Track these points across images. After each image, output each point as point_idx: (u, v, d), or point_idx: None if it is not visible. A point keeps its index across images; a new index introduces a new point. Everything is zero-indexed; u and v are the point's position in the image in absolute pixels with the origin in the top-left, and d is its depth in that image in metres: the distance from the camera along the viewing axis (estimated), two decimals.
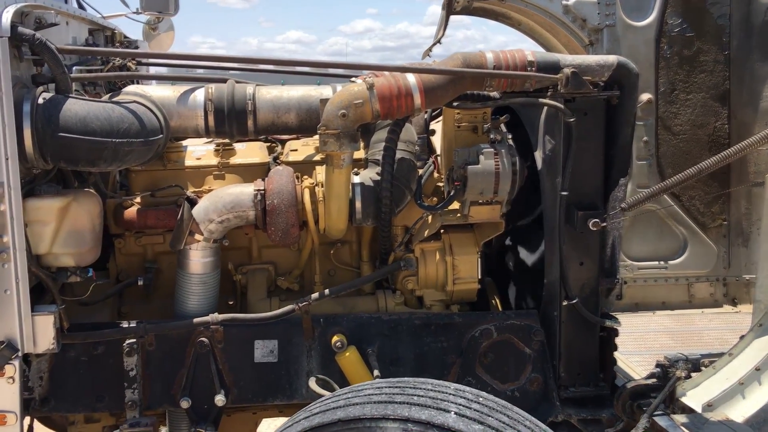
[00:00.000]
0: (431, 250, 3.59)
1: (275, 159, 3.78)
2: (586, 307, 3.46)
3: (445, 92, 3.21)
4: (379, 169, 3.30)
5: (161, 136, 3.09)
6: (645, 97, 5.11)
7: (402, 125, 3.29)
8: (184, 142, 3.92)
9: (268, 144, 3.97)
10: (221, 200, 3.28)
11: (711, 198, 5.26)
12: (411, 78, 3.15)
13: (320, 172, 3.41)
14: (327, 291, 3.34)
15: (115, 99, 3.10)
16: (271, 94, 3.40)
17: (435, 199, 3.60)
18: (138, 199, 3.57)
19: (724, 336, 4.69)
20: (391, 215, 3.33)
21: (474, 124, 3.58)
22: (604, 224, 3.31)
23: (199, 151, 3.77)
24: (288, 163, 3.77)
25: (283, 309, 3.27)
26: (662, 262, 5.23)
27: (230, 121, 3.32)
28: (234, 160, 3.73)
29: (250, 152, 3.79)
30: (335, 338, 3.29)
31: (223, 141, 3.70)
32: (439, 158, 3.75)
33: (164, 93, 3.32)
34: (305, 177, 3.43)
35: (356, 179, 3.33)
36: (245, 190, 3.31)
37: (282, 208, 3.23)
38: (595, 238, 3.43)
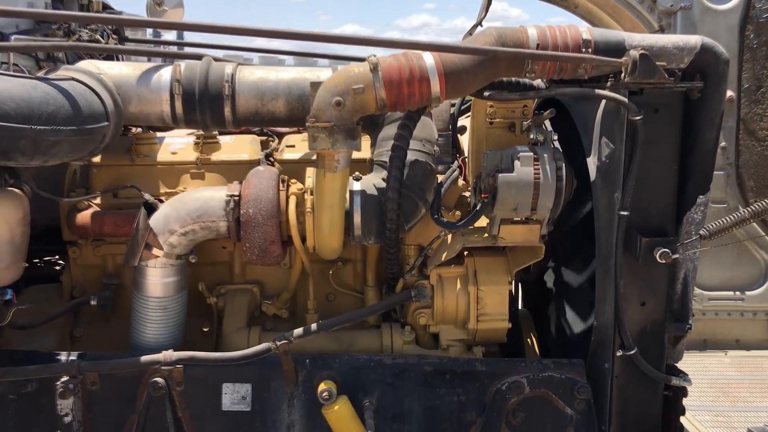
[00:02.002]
0: (451, 277, 2.87)
1: (268, 156, 3.11)
2: (647, 360, 2.69)
3: (473, 78, 2.48)
4: (385, 173, 2.60)
5: (105, 123, 2.44)
6: (726, 95, 4.26)
7: (417, 119, 2.58)
8: (163, 134, 3.28)
9: (263, 137, 3.30)
10: (185, 207, 2.62)
11: None
12: (428, 58, 2.43)
13: (311, 174, 2.71)
14: (314, 326, 2.65)
15: (49, 76, 2.46)
16: (255, 75, 2.72)
17: (458, 213, 2.87)
18: (99, 200, 2.95)
19: None
20: (398, 232, 2.62)
21: (511, 120, 2.84)
22: (676, 256, 2.53)
23: (176, 144, 3.13)
24: (282, 162, 3.10)
25: (256, 348, 2.60)
26: (738, 293, 4.39)
27: (202, 107, 2.66)
28: (217, 156, 3.08)
29: (237, 147, 3.13)
30: (322, 386, 2.60)
31: (207, 133, 3.05)
32: (466, 161, 3.01)
33: (121, 71, 2.68)
34: (294, 181, 2.74)
35: (356, 186, 2.63)
36: (216, 195, 2.64)
37: (259, 219, 2.56)
38: (663, 273, 2.66)
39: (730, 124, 4.31)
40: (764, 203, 2.51)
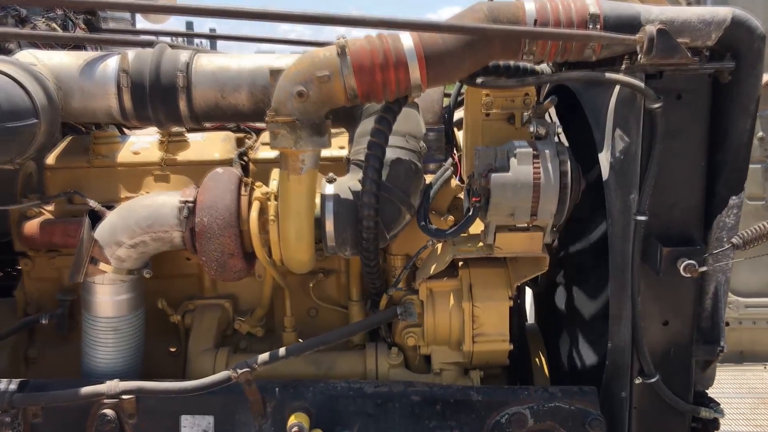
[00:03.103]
0: (442, 292, 2.51)
1: (242, 155, 2.78)
2: (671, 388, 2.31)
3: (460, 61, 2.12)
4: (362, 174, 2.25)
5: (33, 121, 2.13)
6: (763, 79, 3.81)
7: (397, 111, 2.22)
8: (130, 132, 2.97)
9: (239, 134, 2.97)
10: (133, 216, 2.30)
11: None
12: (406, 39, 2.07)
13: (276, 176, 2.37)
14: (282, 351, 2.31)
15: None
16: (214, 64, 2.39)
17: (452, 218, 2.51)
18: (52, 207, 2.65)
19: None
20: (377, 242, 2.27)
21: (509, 111, 2.47)
22: (704, 268, 2.14)
23: (139, 144, 2.81)
24: (257, 161, 2.76)
25: (215, 377, 2.27)
26: None
27: (154, 101, 2.34)
28: (184, 156, 2.76)
29: (208, 146, 2.81)
30: (293, 419, 2.27)
31: (175, 130, 2.73)
32: (462, 159, 2.65)
33: (62, 60, 2.37)
34: (259, 184, 2.40)
35: (329, 189, 2.29)
36: (168, 202, 2.32)
37: (215, 229, 2.23)
38: (689, 287, 2.27)
39: (767, 113, 3.86)
40: None
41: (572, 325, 2.74)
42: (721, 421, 2.47)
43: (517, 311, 2.84)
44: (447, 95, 2.89)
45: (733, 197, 2.25)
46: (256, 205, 2.30)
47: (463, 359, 2.52)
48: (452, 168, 2.58)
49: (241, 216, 2.30)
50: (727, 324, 3.97)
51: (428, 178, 2.53)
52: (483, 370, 2.58)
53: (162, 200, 2.33)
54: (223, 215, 2.24)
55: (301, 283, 2.75)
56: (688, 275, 2.13)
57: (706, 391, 2.46)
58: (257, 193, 2.33)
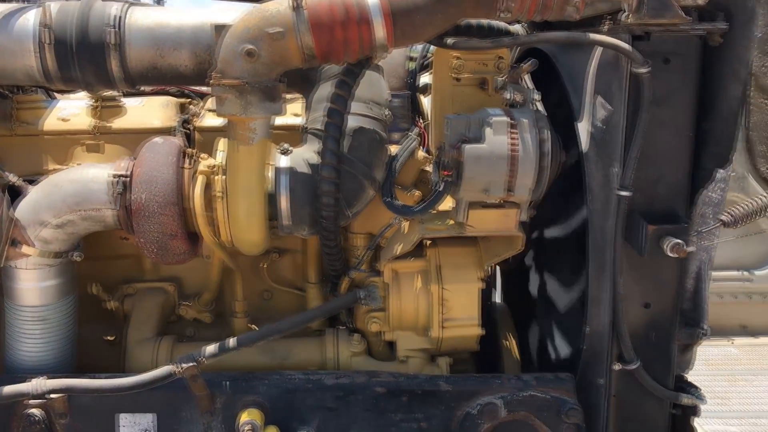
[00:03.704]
0: (409, 274, 2.31)
1: (185, 122, 2.51)
2: (650, 373, 2.16)
3: (430, 18, 1.89)
4: (321, 145, 2.01)
5: None
6: None
7: (359, 74, 1.99)
8: (61, 96, 2.67)
9: (183, 99, 2.68)
10: (59, 192, 2.03)
11: None
12: None
13: (223, 147, 2.12)
14: (232, 342, 2.09)
15: None
16: (151, 18, 2.10)
17: (419, 193, 2.30)
18: None
19: None
20: (337, 220, 2.05)
21: (481, 75, 2.26)
22: (692, 248, 1.98)
23: (69, 109, 2.51)
24: (203, 130, 2.50)
25: (155, 373, 2.03)
26: (745, 272, 3.87)
27: (81, 60, 2.04)
28: (119, 123, 2.47)
29: (146, 112, 2.53)
30: (245, 416, 2.05)
31: (109, 94, 2.44)
32: (428, 128, 2.43)
33: None
34: (205, 156, 2.15)
35: (283, 162, 2.05)
36: (99, 176, 2.06)
37: (153, 207, 1.98)
38: (672, 267, 2.12)
39: None
40: None
41: (546, 308, 2.58)
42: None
43: (487, 292, 2.67)
44: (411, 58, 2.67)
45: (720, 170, 2.08)
46: (200, 180, 2.05)
47: (430, 345, 2.33)
48: (418, 138, 2.37)
49: (183, 192, 2.04)
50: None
51: (393, 149, 2.32)
52: (451, 357, 2.40)
53: (92, 174, 2.05)
54: (162, 191, 1.99)
55: (253, 264, 2.52)
56: (675, 255, 1.97)
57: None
58: (202, 165, 2.08)
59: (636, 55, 1.90)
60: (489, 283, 3.20)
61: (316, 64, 1.90)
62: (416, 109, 2.59)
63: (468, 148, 1.96)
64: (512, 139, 1.97)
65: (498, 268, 3.18)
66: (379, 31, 1.84)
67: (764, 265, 3.87)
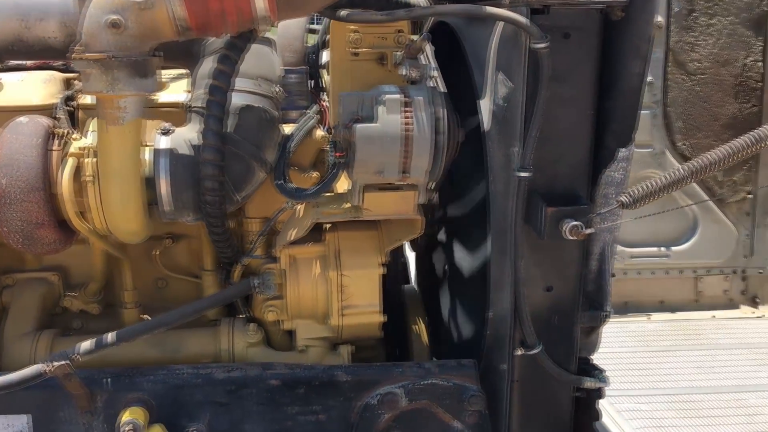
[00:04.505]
0: (307, 260, 2.20)
1: (68, 100, 2.31)
2: (553, 357, 2.12)
3: None
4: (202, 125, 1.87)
5: None
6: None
7: (243, 48, 1.85)
8: None
9: (68, 74, 2.48)
10: None
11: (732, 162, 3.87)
12: None
13: (94, 127, 1.95)
14: (110, 337, 1.95)
15: None
16: None
17: (317, 175, 2.19)
18: None
19: (742, 361, 3.40)
20: (222, 206, 1.92)
21: (380, 50, 2.14)
22: (591, 230, 1.92)
23: None
24: (88, 108, 2.31)
25: (24, 372, 1.88)
26: (662, 249, 3.91)
27: None
28: None
29: (24, 88, 2.32)
30: (126, 415, 1.92)
31: None
32: (330, 106, 2.31)
33: None
34: (77, 137, 1.98)
35: (163, 143, 1.91)
36: None
37: (15, 194, 1.81)
38: (574, 249, 2.06)
39: (657, 55, 3.74)
40: (706, 158, 1.90)
41: (453, 292, 2.51)
42: (609, 375, 2.34)
43: (395, 275, 2.58)
44: (312, 31, 2.53)
45: (622, 150, 2.03)
46: (70, 163, 1.89)
47: (330, 334, 2.24)
48: (317, 116, 2.25)
49: (50, 176, 1.88)
50: (613, 275, 3.90)
51: (289, 129, 2.19)
52: (354, 344, 2.32)
53: None
54: (24, 176, 1.82)
55: (146, 250, 2.37)
56: (573, 238, 1.91)
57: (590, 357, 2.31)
58: (73, 147, 1.91)
59: (533, 29, 1.82)
60: (405, 263, 3.14)
61: (192, 36, 1.75)
62: (319, 86, 2.46)
63: (359, 127, 1.85)
64: (406, 118, 1.87)
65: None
66: (259, 1, 1.71)
67: (682, 241, 3.91)
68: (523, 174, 1.93)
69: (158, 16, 1.68)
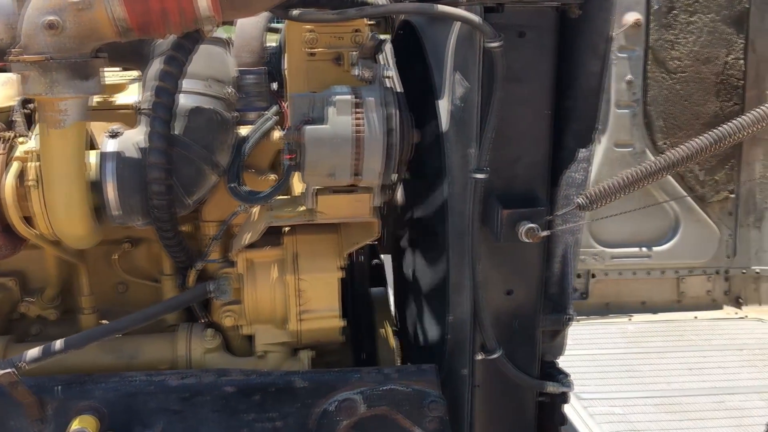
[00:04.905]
0: (264, 263, 2.16)
1: (26, 102, 2.28)
2: (515, 362, 2.08)
3: None
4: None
5: None
6: (631, 17, 3.62)
7: (190, 48, 1.82)
8: None
9: None
10: None
11: (715, 162, 3.85)
12: None
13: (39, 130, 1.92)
14: (59, 344, 1.91)
15: None
16: None
17: (273, 177, 2.16)
18: None
19: (727, 361, 3.36)
20: (171, 210, 1.89)
21: (337, 50, 2.10)
22: (546, 233, 1.88)
23: None
24: None
25: None
26: (644, 249, 3.87)
27: None
28: None
29: None
30: (76, 423, 1.88)
31: None
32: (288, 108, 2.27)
33: None
34: (22, 140, 1.95)
35: (110, 146, 1.87)
36: None
37: None
38: (534, 252, 2.03)
39: (637, 54, 3.69)
40: (667, 158, 1.86)
41: (420, 295, 2.47)
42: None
43: (362, 278, 2.55)
44: (275, 30, 2.50)
45: (582, 150, 1.99)
46: (14, 167, 1.85)
47: (290, 339, 2.20)
48: (276, 118, 2.21)
49: None
50: (594, 276, 3.87)
51: (247, 131, 2.15)
52: (318, 349, 2.28)
53: None
54: None
55: (105, 255, 2.34)
56: (529, 240, 1.87)
57: (556, 360, 2.27)
58: (18, 151, 1.88)
59: (486, 27, 1.78)
60: (382, 268, 3.10)
61: (134, 37, 1.71)
62: (283, 88, 2.42)
63: (308, 129, 1.81)
64: (357, 119, 1.83)
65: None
66: (202, 0, 1.67)
67: (663, 241, 3.87)
68: (478, 175, 1.89)
69: (97, 16, 1.64)
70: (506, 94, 1.86)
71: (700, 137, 1.82)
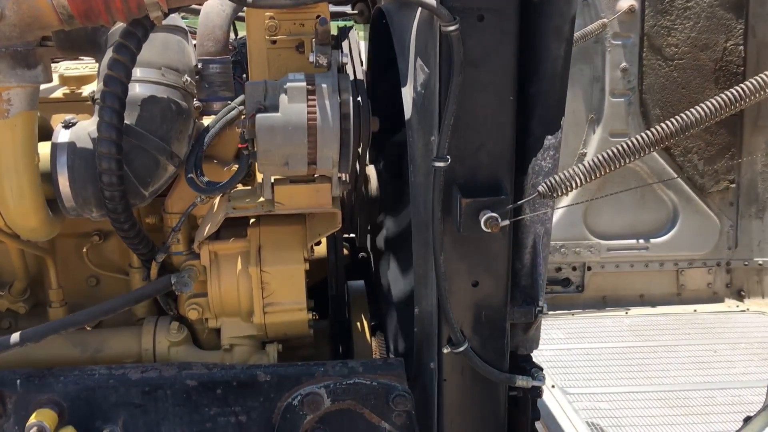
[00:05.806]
0: (229, 255, 2.13)
1: None
2: (484, 355, 2.02)
3: None
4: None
5: None
6: (625, 3, 3.54)
7: (141, 36, 1.78)
8: None
9: None
10: None
11: (715, 151, 3.74)
12: None
13: None
14: (17, 336, 1.90)
15: None
16: None
17: (236, 167, 2.11)
18: None
19: (729, 357, 3.26)
20: (125, 201, 1.86)
21: (299, 38, 2.06)
22: (506, 222, 1.82)
23: None
24: None
25: None
26: (642, 241, 3.79)
27: None
28: None
29: None
30: (34, 417, 1.87)
31: None
32: None
33: None
34: None
35: (63, 136, 1.85)
36: None
37: None
38: (501, 243, 1.96)
39: (632, 40, 3.61)
40: (629, 144, 1.79)
41: (390, 287, 2.43)
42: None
43: (336, 271, 2.50)
44: (242, 19, 2.46)
45: (549, 137, 1.93)
46: None
47: (256, 332, 2.17)
48: (240, 108, 2.17)
49: None
50: (590, 268, 3.79)
51: (209, 121, 2.12)
52: (290, 342, 2.25)
53: None
54: None
55: (76, 247, 2.32)
56: (489, 230, 1.81)
57: (532, 354, 2.21)
58: None
59: (442, 11, 1.72)
60: (367, 258, 3.06)
61: (77, 25, 1.68)
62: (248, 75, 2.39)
63: (260, 117, 1.77)
64: (310, 106, 1.79)
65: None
66: None
67: (661, 232, 3.78)
68: (438, 164, 1.83)
69: (38, 3, 1.62)
70: (467, 80, 1.80)
71: (665, 123, 1.76)
